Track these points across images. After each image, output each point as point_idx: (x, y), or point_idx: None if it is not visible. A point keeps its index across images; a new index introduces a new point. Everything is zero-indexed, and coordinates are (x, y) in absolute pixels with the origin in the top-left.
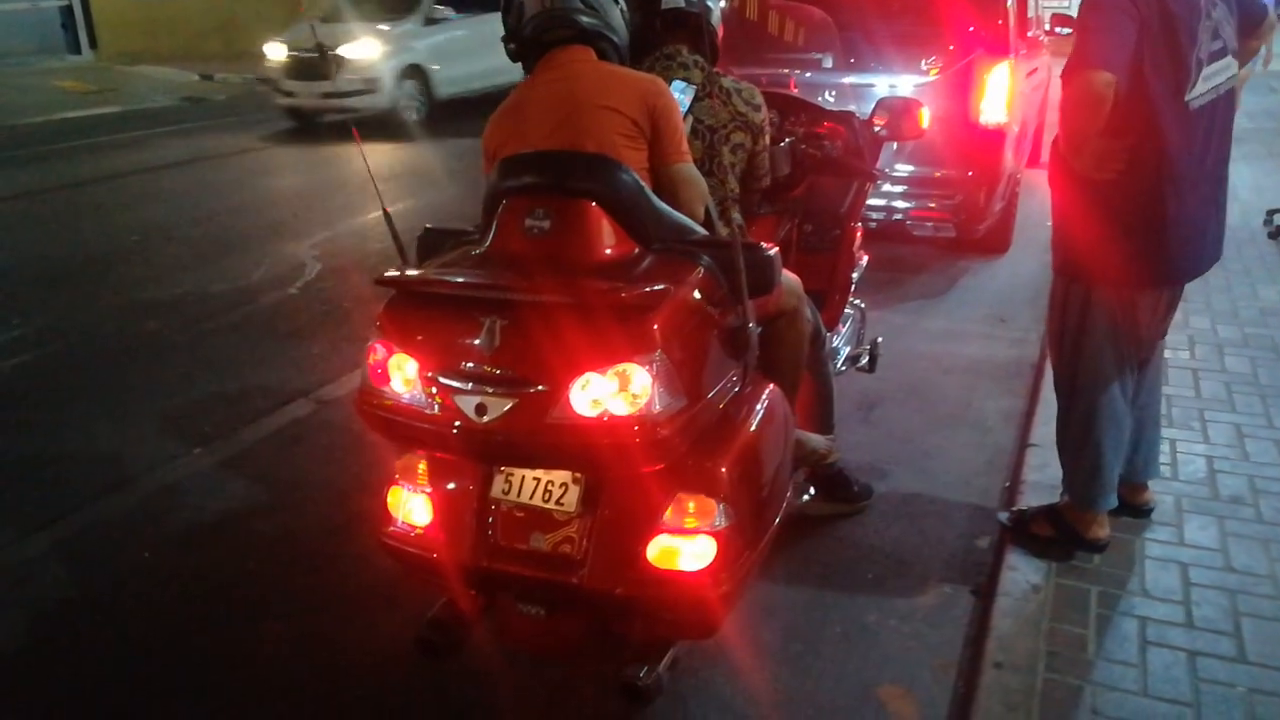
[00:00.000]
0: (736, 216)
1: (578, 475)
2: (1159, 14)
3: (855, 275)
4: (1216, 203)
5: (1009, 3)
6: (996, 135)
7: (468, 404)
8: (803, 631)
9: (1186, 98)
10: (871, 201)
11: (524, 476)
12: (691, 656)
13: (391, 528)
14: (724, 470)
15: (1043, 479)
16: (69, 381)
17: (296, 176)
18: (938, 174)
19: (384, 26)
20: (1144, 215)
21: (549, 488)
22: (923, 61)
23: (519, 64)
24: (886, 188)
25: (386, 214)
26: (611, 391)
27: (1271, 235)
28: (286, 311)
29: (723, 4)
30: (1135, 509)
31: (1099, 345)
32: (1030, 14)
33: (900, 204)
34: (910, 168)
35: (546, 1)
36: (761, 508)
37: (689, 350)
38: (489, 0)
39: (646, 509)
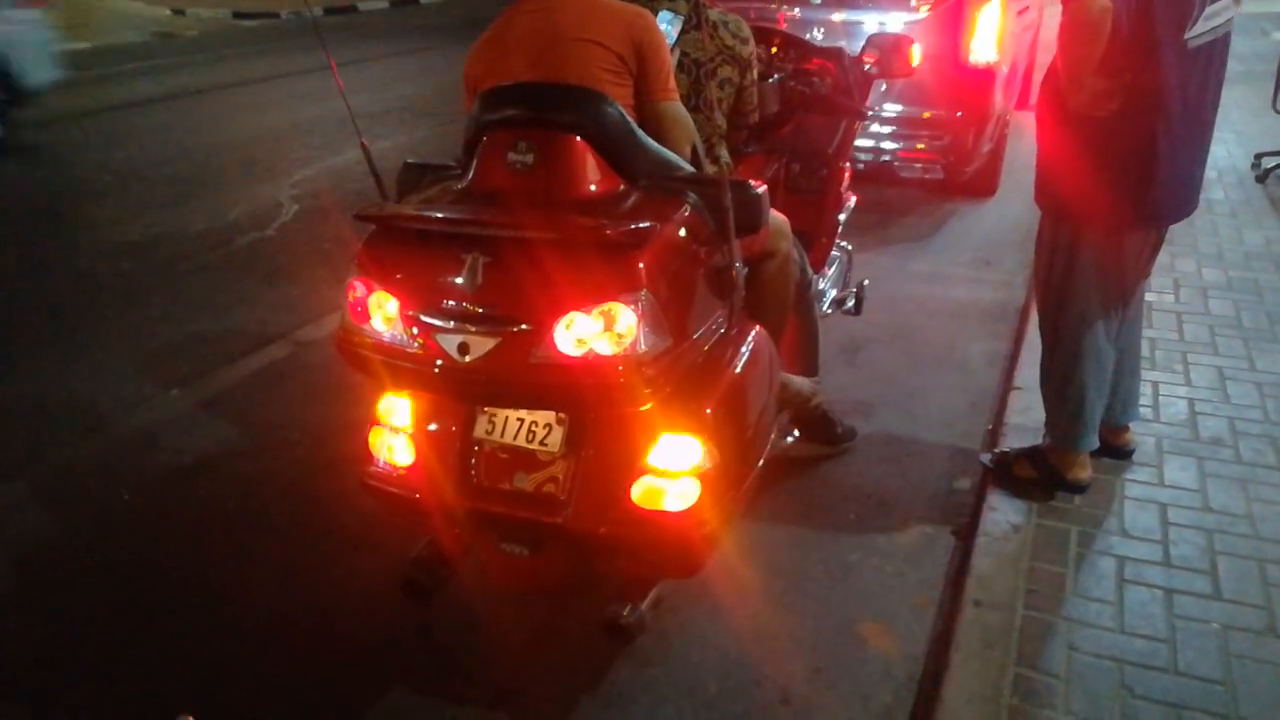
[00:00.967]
0: (724, 155)
1: (561, 416)
2: None
3: (843, 217)
4: (1205, 146)
5: None
6: (986, 75)
7: (450, 343)
8: (785, 570)
9: (1186, 36)
10: (859, 143)
11: (507, 417)
12: (675, 595)
13: (373, 468)
14: (709, 411)
15: (1025, 421)
16: (43, 323)
17: (272, 115)
18: (926, 114)
19: None
20: (1136, 154)
21: (532, 428)
22: None
23: None
24: (874, 128)
25: (365, 147)
26: (596, 331)
27: (1259, 179)
28: (264, 252)
29: None
30: (1116, 451)
31: (1085, 285)
32: None
33: (888, 145)
34: (898, 108)
35: None
36: (746, 449)
37: (675, 289)
38: None
39: (630, 450)
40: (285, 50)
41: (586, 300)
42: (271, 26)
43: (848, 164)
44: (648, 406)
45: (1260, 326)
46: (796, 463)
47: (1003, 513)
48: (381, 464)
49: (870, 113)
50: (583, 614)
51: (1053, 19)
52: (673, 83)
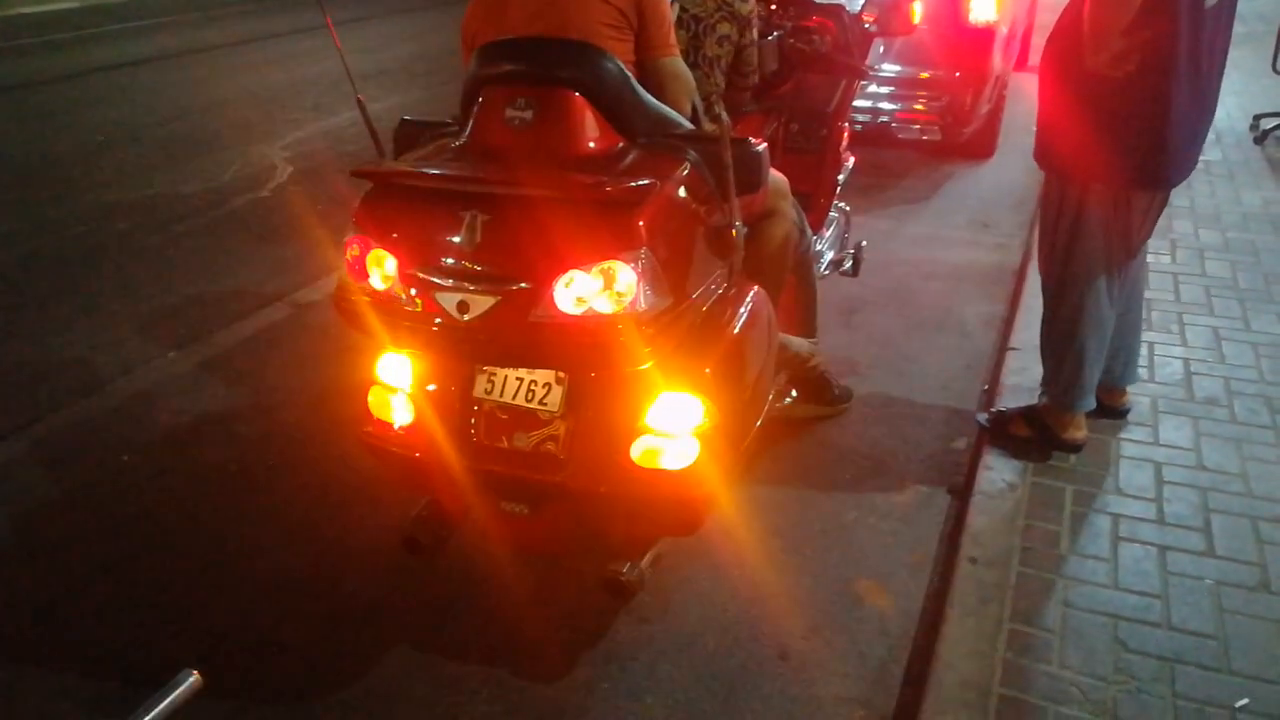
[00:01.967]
0: (722, 113)
1: (561, 375)
2: None
3: (841, 177)
4: (1212, 107)
5: None
6: (985, 35)
7: (449, 301)
8: (782, 529)
9: None
10: (857, 103)
11: (506, 376)
12: (674, 553)
13: (372, 427)
14: (708, 371)
15: (1021, 382)
16: (39, 285)
17: (266, 75)
18: (925, 75)
19: None
20: (1149, 115)
21: (532, 387)
22: None
23: None
24: (872, 89)
25: (361, 104)
26: (596, 289)
27: (1257, 140)
28: (259, 214)
29: None
30: (1112, 411)
31: (1090, 247)
32: None
33: (886, 106)
34: (897, 68)
35: None
36: (744, 408)
37: (675, 248)
38: None
39: (630, 409)
40: (280, 10)
41: (586, 258)
42: None
43: (847, 124)
44: (647, 365)
45: (1256, 287)
46: (793, 424)
47: (998, 471)
48: (380, 422)
49: (871, 71)
50: (582, 572)
51: None
52: (673, 38)
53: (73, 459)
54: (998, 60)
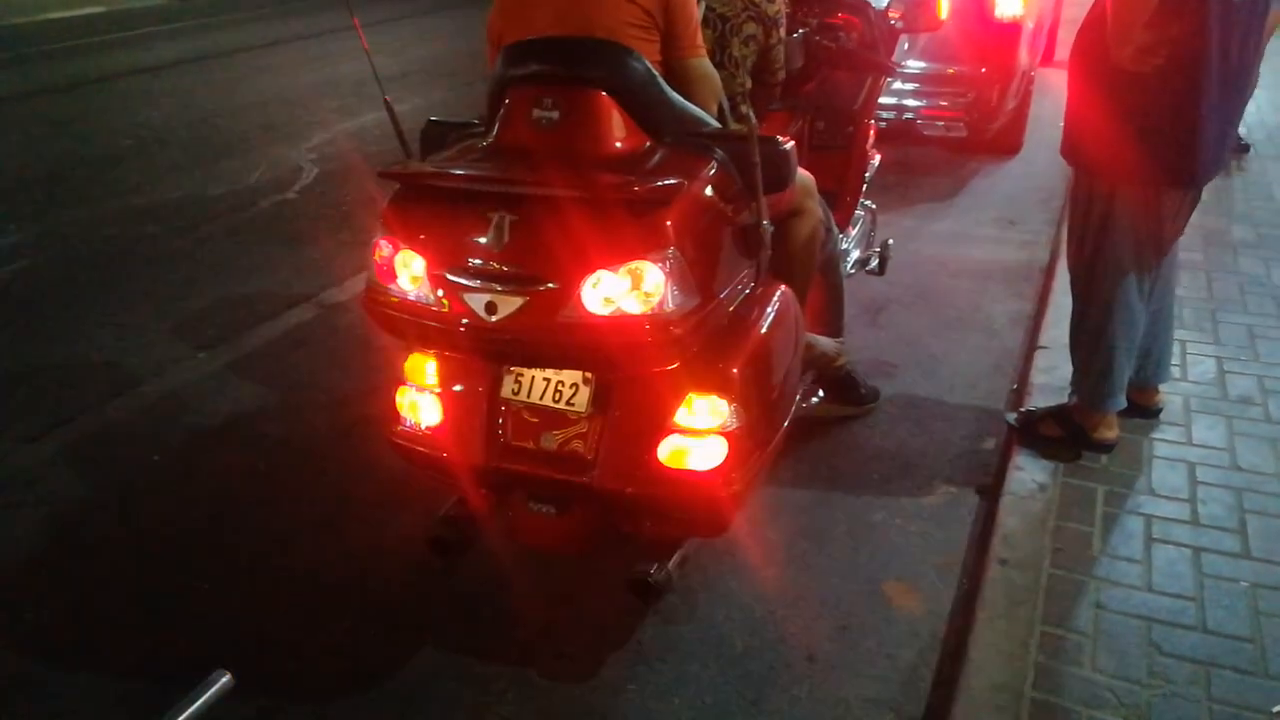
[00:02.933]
0: (749, 113)
1: (588, 375)
2: None
3: (867, 175)
4: (1243, 103)
5: None
6: (1012, 30)
7: (477, 302)
8: (810, 530)
9: None
10: (882, 100)
11: (534, 377)
12: (701, 554)
13: (400, 427)
14: (735, 371)
15: (1050, 381)
16: (70, 287)
17: (291, 77)
18: (950, 70)
19: None
20: (1178, 111)
21: (559, 388)
22: None
23: None
24: (897, 85)
25: (388, 104)
26: (624, 289)
27: None
28: (286, 215)
29: None
30: (1144, 410)
31: (1120, 246)
32: None
33: (911, 102)
34: (922, 64)
35: None
36: (772, 409)
37: (702, 248)
38: None
39: (658, 409)
40: (303, 12)
41: (614, 259)
42: None
43: (872, 121)
44: (675, 365)
45: None
46: (820, 424)
47: (1028, 472)
48: (409, 423)
49: (897, 68)
50: (609, 573)
51: None
52: (700, 39)
53: (104, 460)
54: (1024, 55)
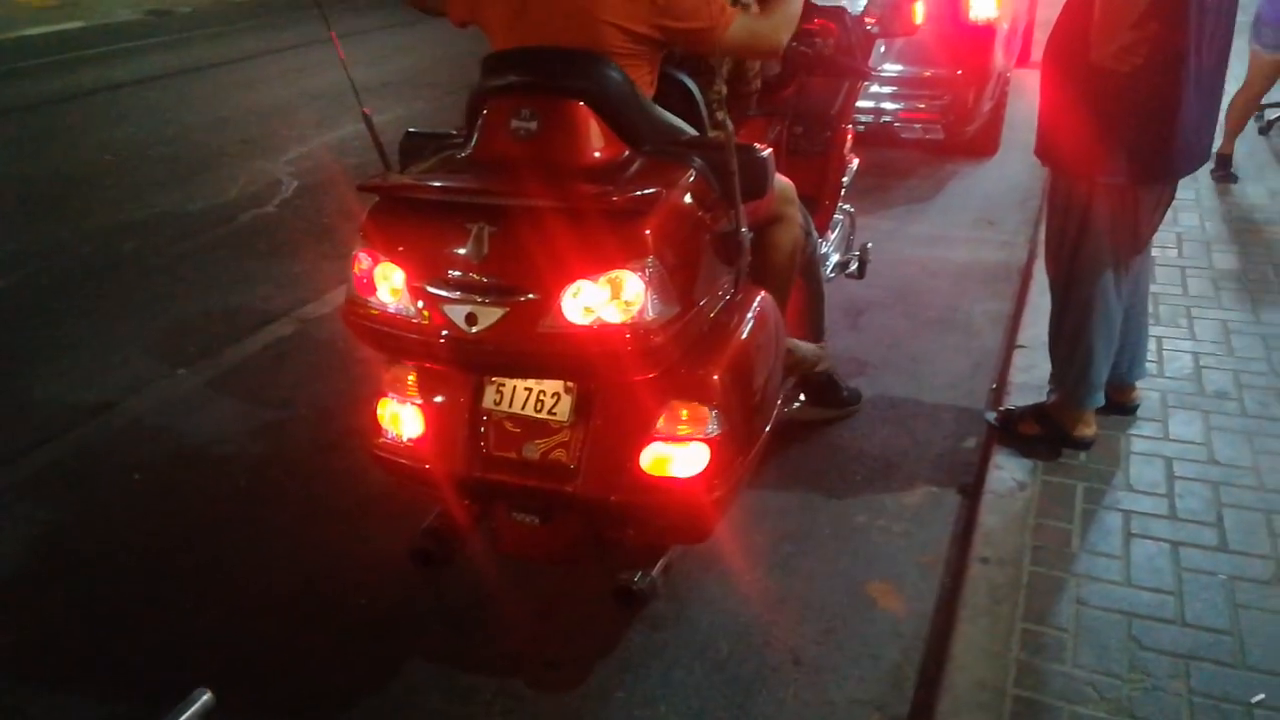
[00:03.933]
0: (726, 121)
1: (569, 385)
2: None
3: (846, 179)
4: (1218, 99)
5: None
6: (986, 32)
7: (457, 313)
8: (793, 533)
9: None
10: (859, 104)
11: (515, 387)
12: (685, 560)
13: (382, 439)
14: (716, 377)
15: (1029, 380)
16: (48, 304)
17: (268, 91)
18: (926, 73)
19: None
20: (1155, 110)
21: (541, 397)
22: None
23: None
24: (874, 89)
25: (366, 116)
26: (604, 299)
27: (1262, 130)
28: (265, 229)
29: None
30: (1122, 407)
31: (1098, 243)
32: None
33: (888, 105)
34: (899, 67)
35: None
36: (753, 414)
37: (682, 256)
38: None
39: (639, 417)
40: (279, 25)
41: (593, 268)
42: (264, 1)
43: (850, 126)
44: (656, 374)
45: (1264, 279)
46: (802, 426)
47: (1008, 470)
48: (390, 435)
49: (874, 72)
50: (594, 581)
51: None
52: (705, 18)
53: (83, 479)
54: (999, 57)
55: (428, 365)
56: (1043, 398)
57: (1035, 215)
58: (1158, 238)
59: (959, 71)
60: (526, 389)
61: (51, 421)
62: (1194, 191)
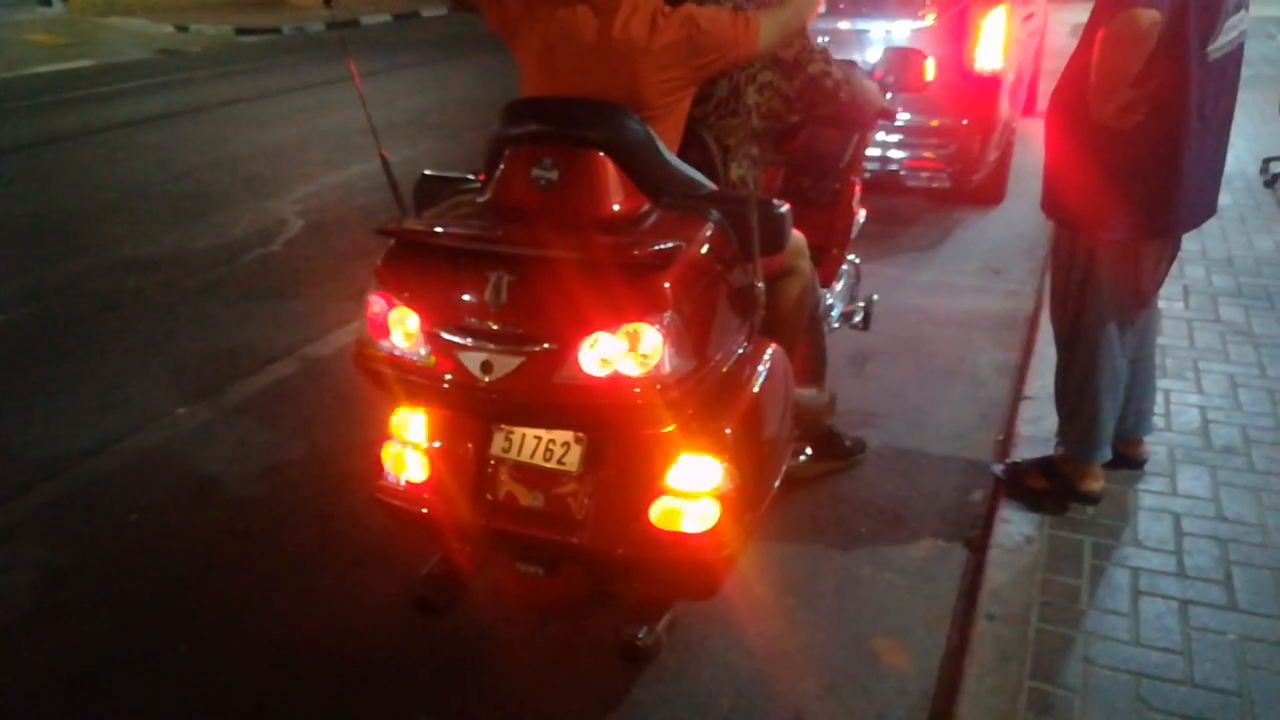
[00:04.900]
0: (747, 171)
1: (580, 434)
2: None
3: (853, 232)
4: (1222, 154)
5: None
6: (992, 82)
7: (472, 361)
8: (797, 585)
9: (1209, 49)
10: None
11: (525, 435)
12: (687, 612)
13: (385, 482)
14: (728, 431)
15: (1037, 432)
16: (50, 341)
17: (276, 130)
18: (932, 122)
19: None
20: (1157, 166)
21: (550, 447)
22: (917, 6)
23: None
24: (880, 137)
25: (384, 158)
26: (621, 351)
27: (1267, 183)
28: (269, 269)
29: None
30: (1129, 461)
31: (1102, 298)
32: None
33: (894, 154)
34: (905, 116)
35: None
36: (763, 470)
37: (699, 310)
38: None
39: (649, 470)
40: (287, 66)
41: (612, 320)
42: (273, 42)
43: (859, 178)
44: (670, 428)
45: (1272, 332)
46: (807, 478)
47: (1015, 524)
48: (394, 479)
49: (893, 113)
50: (597, 634)
51: (1058, 25)
52: (741, 39)
53: (81, 518)
54: (1005, 107)
55: (437, 410)
56: (1050, 450)
57: (1041, 265)
58: (1164, 290)
59: (965, 121)
60: (536, 437)
61: (50, 460)
62: (1200, 244)
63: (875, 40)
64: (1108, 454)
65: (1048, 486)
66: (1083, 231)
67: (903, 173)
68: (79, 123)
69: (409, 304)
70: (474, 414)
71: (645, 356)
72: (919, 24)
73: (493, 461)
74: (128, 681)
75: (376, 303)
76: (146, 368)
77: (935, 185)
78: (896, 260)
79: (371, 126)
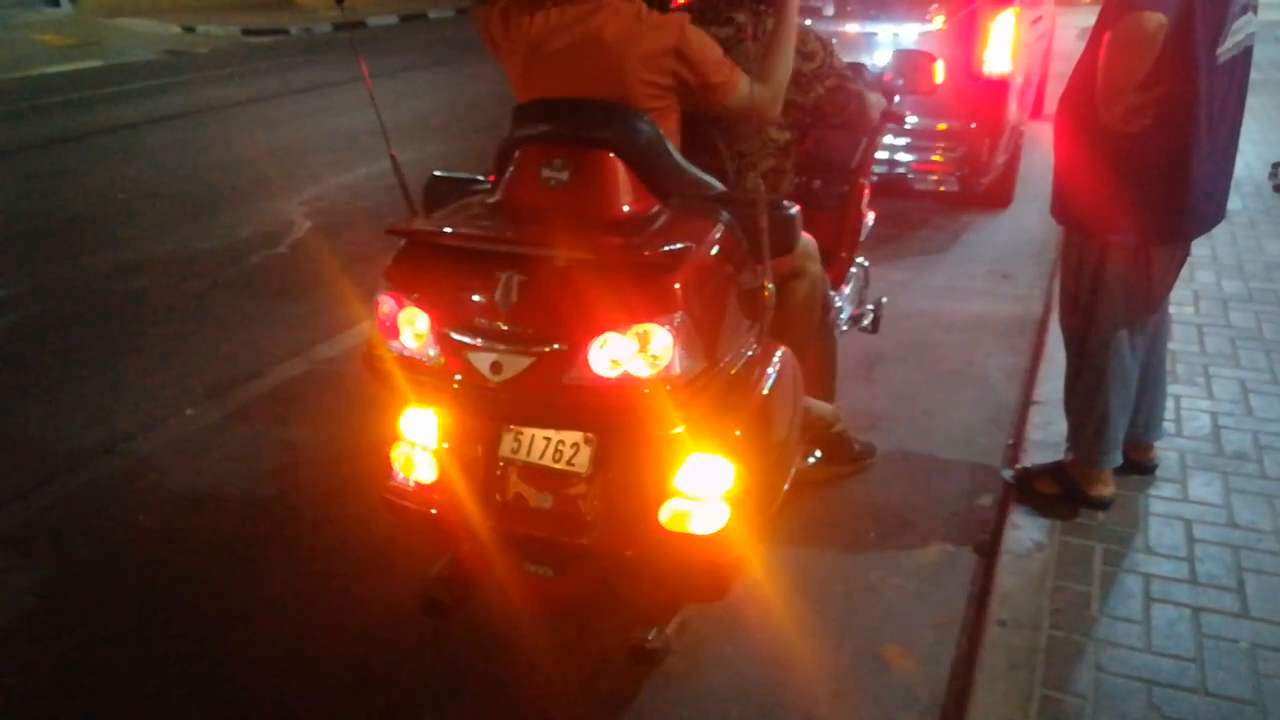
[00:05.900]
0: (760, 181)
1: (589, 435)
2: None
3: (862, 234)
4: (1231, 159)
5: None
6: (1000, 86)
7: (482, 361)
8: (806, 591)
9: (1217, 51)
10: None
11: (534, 436)
12: (695, 616)
13: (393, 483)
14: (738, 433)
15: (1046, 437)
16: (57, 343)
17: (283, 131)
18: (941, 126)
19: None
20: (1167, 170)
21: (560, 448)
22: (926, 9)
23: None
24: (888, 140)
25: (394, 159)
26: (631, 352)
27: (1277, 188)
28: (276, 270)
29: None
30: (1140, 466)
31: (1112, 303)
32: None
33: (903, 157)
34: (913, 120)
35: None
36: (773, 471)
37: (709, 311)
38: None
39: (659, 471)
40: (295, 67)
41: (621, 321)
42: (280, 43)
43: (868, 180)
44: (680, 429)
45: None
46: (816, 481)
47: (1026, 530)
48: (402, 479)
49: (901, 116)
50: (606, 636)
51: (1066, 28)
52: (725, 69)
53: (88, 519)
54: (1013, 110)
55: (446, 411)
56: (1060, 455)
57: (1050, 268)
58: (1174, 295)
59: (973, 124)
60: (545, 438)
61: (57, 461)
62: (1210, 249)
63: (883, 43)
64: (1118, 459)
65: (1058, 492)
66: (1092, 235)
67: (911, 176)
68: (86, 123)
69: (419, 304)
70: (483, 414)
71: (655, 357)
72: (927, 27)
73: (502, 463)
74: (133, 683)
75: (386, 303)
76: (154, 368)
77: (944, 189)
78: (905, 263)
79: (382, 126)
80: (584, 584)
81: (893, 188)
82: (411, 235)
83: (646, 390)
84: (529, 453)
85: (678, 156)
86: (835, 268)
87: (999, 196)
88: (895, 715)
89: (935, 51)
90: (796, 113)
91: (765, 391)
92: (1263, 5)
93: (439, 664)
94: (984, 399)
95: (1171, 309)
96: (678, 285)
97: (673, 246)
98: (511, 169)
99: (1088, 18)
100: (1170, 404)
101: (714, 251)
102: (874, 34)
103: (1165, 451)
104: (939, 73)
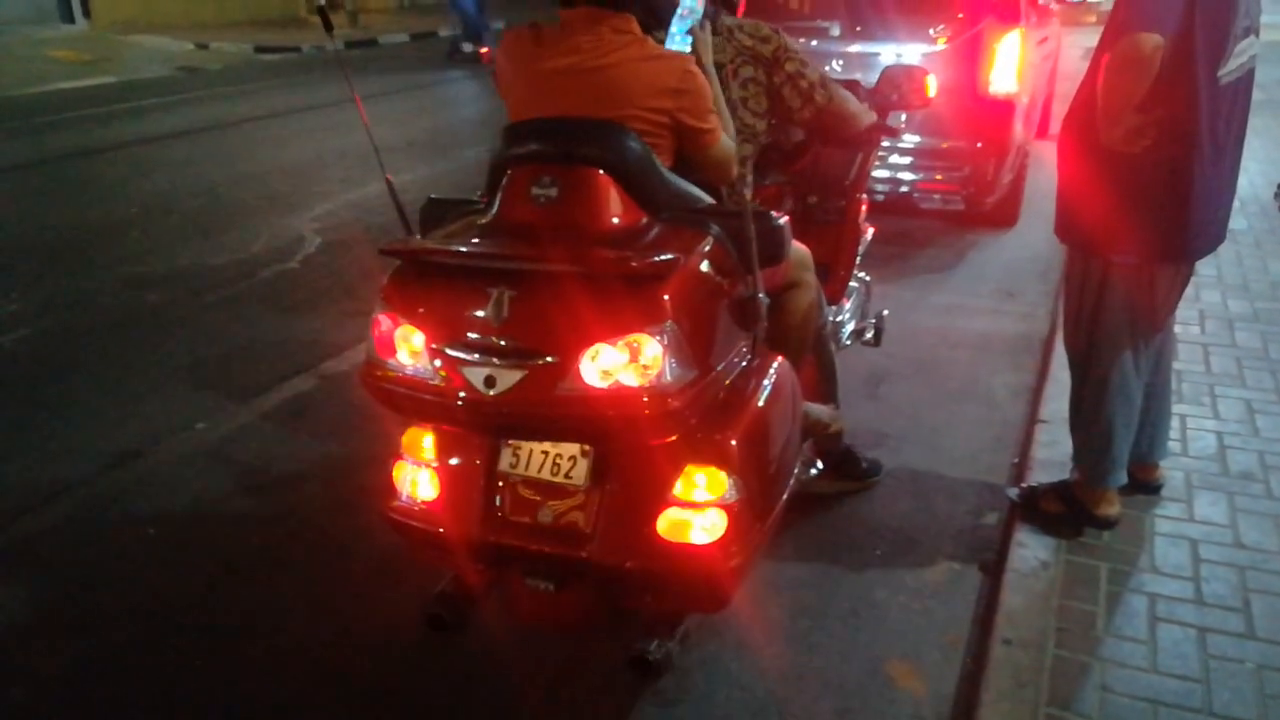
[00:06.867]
0: (746, 191)
1: (586, 448)
2: None
3: (861, 249)
4: (1234, 179)
5: None
6: (1006, 106)
7: (476, 376)
8: (811, 607)
9: (1219, 73)
10: (878, 174)
11: (532, 450)
12: (699, 632)
13: (396, 502)
14: (734, 443)
15: (1052, 455)
16: (69, 355)
17: (295, 148)
18: (945, 145)
19: None
20: (1169, 190)
21: (557, 461)
22: (931, 29)
23: None
24: (893, 159)
25: (389, 183)
26: (622, 363)
27: None
28: (287, 285)
29: None
30: (1145, 486)
31: (1116, 322)
32: None
33: (907, 176)
34: (918, 138)
35: None
36: (771, 480)
37: (699, 321)
38: None
39: (656, 482)
40: (306, 84)
41: (612, 332)
42: (293, 61)
43: (865, 195)
44: (673, 438)
45: None
46: (821, 498)
47: (1031, 549)
48: (405, 498)
49: (896, 131)
50: (608, 650)
51: (1071, 48)
52: (714, 122)
53: (98, 533)
54: (1019, 130)
55: (445, 427)
56: (1066, 474)
57: (1056, 287)
58: (1180, 315)
59: (979, 144)
60: (543, 452)
61: (68, 473)
62: (1216, 268)
63: (887, 64)
64: (1122, 478)
65: (1063, 511)
66: (1095, 255)
67: (916, 195)
68: (100, 138)
69: (414, 322)
70: (479, 429)
71: (646, 367)
72: (932, 48)
73: (501, 478)
74: (143, 695)
75: (383, 322)
76: (165, 382)
77: (949, 208)
78: (911, 282)
79: (376, 150)
80: (586, 597)
81: (899, 206)
82: (404, 254)
83: (638, 400)
84: (527, 467)
85: (666, 172)
86: (835, 282)
87: (1004, 215)
88: None
89: (941, 72)
90: (763, 97)
91: (761, 401)
92: (1265, 27)
93: (440, 679)
94: (989, 417)
95: (1177, 328)
96: (667, 296)
97: (661, 257)
98: (502, 188)
99: (1092, 38)
100: (1176, 424)
101: (703, 262)
102: (877, 54)
103: (1171, 471)
104: (931, 86)
